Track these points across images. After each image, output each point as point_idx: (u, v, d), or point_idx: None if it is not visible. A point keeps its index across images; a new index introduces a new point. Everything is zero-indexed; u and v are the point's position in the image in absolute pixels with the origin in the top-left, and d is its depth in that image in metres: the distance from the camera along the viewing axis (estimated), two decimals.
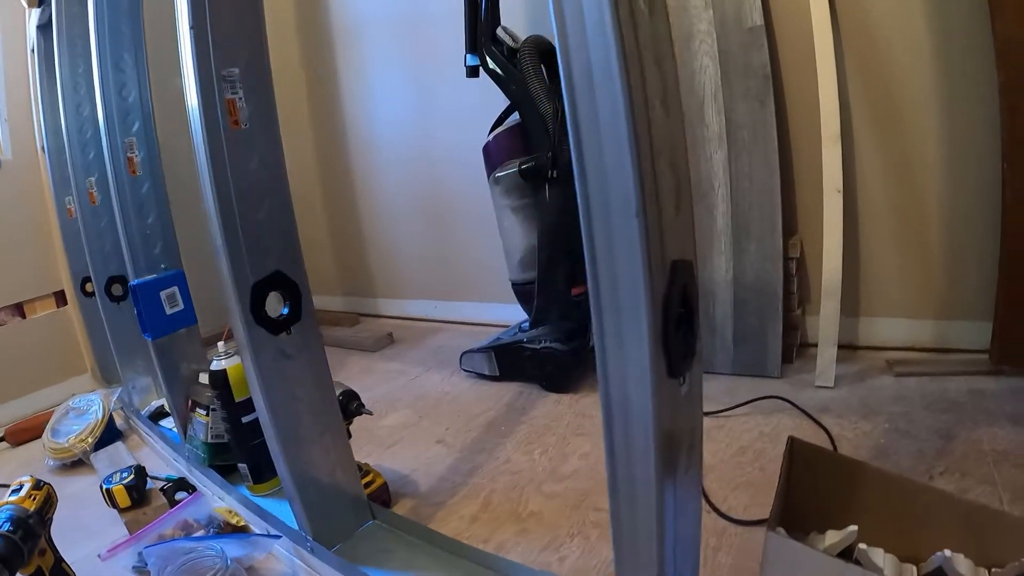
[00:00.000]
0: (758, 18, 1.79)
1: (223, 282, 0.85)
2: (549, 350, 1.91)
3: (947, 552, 0.85)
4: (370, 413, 1.37)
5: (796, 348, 1.89)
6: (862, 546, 0.89)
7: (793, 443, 1.05)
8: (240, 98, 0.80)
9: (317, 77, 2.87)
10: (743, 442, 1.50)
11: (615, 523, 0.60)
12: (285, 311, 0.94)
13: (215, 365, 1.22)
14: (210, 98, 0.78)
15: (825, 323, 1.73)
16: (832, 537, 0.92)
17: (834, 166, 1.72)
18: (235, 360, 1.21)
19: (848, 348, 1.96)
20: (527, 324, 2.06)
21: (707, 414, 1.64)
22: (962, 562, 0.85)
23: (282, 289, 0.92)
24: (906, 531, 0.93)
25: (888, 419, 1.55)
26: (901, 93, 1.80)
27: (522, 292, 2.04)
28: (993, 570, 0.85)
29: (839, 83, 1.74)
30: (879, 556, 0.88)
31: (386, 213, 2.86)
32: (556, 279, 1.92)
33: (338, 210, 2.98)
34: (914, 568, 0.89)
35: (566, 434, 1.67)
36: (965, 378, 1.75)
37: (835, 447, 1.44)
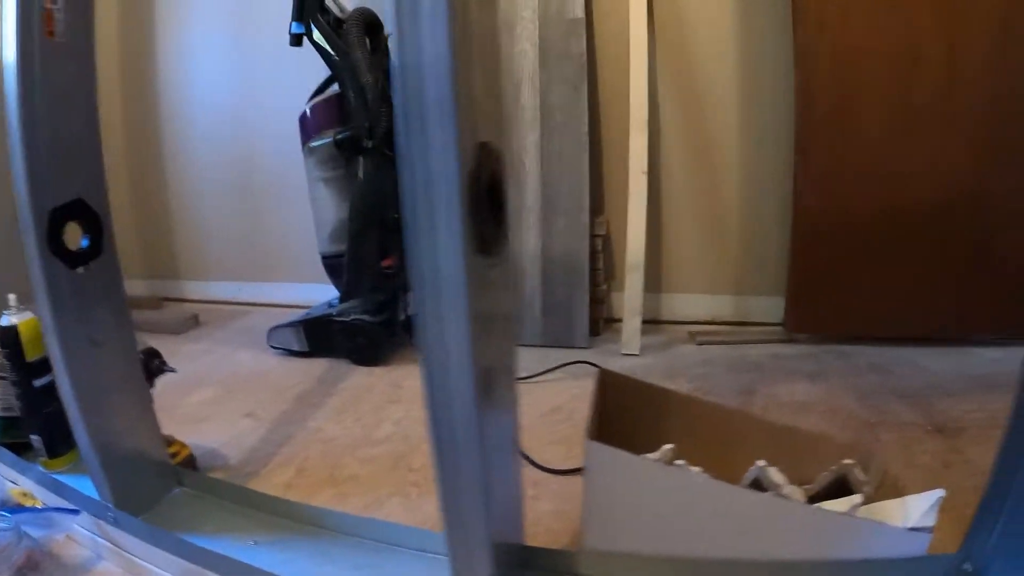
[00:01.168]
0: (579, 11, 1.99)
1: (19, 207, 0.82)
2: (359, 323, 1.97)
3: (760, 463, 0.94)
4: (173, 370, 1.34)
5: (603, 322, 2.13)
6: (679, 462, 0.94)
7: (603, 374, 1.12)
8: (58, 8, 0.78)
9: (129, 34, 2.64)
10: (555, 403, 1.64)
11: (433, 424, 0.64)
12: (85, 243, 0.90)
13: (4, 321, 1.14)
14: (28, 4, 0.75)
15: (630, 295, 1.97)
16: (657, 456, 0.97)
17: (640, 151, 1.97)
18: (27, 315, 1.14)
19: (653, 323, 2.23)
20: (337, 301, 2.11)
21: (520, 379, 1.82)
22: (776, 473, 0.94)
23: (83, 220, 0.89)
24: (717, 454, 1.02)
25: (692, 379, 1.78)
26: (707, 86, 2.09)
27: (332, 265, 2.08)
28: (805, 486, 0.95)
29: (650, 74, 1.99)
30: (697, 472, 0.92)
31: (196, 189, 2.72)
32: (366, 251, 1.99)
33: (144, 185, 2.76)
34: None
35: (379, 403, 1.71)
36: (764, 346, 2.05)
37: None
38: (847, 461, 0.96)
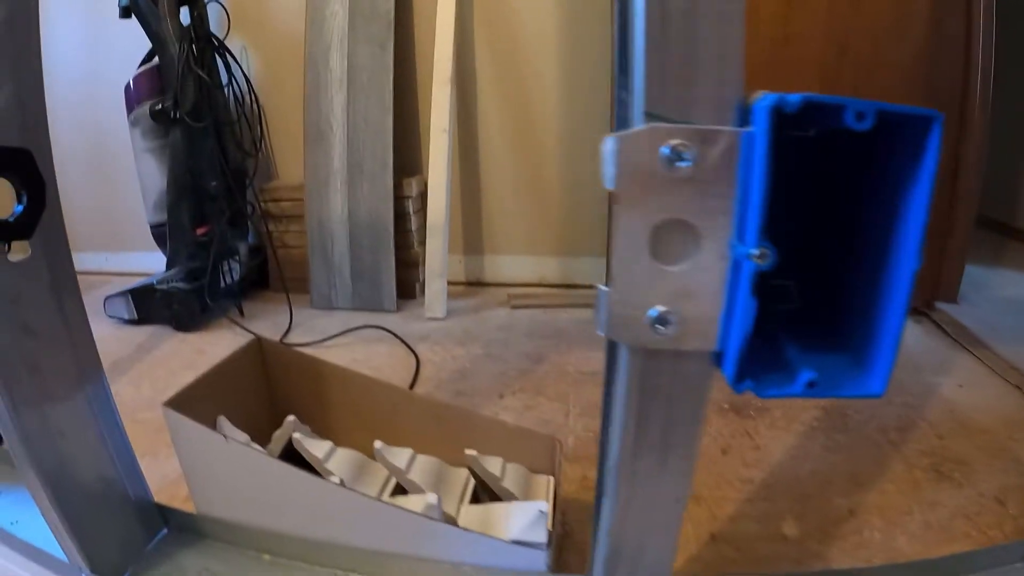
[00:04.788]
0: None
1: None
2: (175, 290, 2.10)
3: (377, 444, 0.99)
4: None
5: (419, 285, 2.18)
6: (296, 435, 0.99)
7: (260, 342, 1.16)
8: None
9: None
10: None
11: None
12: (19, 209, 0.67)
13: None
14: None
15: (431, 258, 2.02)
16: (279, 431, 1.02)
17: (443, 107, 1.99)
18: None
19: (475, 284, 2.27)
20: None
21: (304, 344, 1.89)
22: (399, 453, 0.99)
23: (18, 176, 0.67)
24: (380, 429, 1.07)
25: (484, 346, 1.83)
26: (526, 42, 2.08)
27: (158, 234, 2.22)
28: (467, 451, 1.00)
29: (465, 31, 2.00)
30: (322, 447, 0.95)
31: (55, 159, 2.87)
32: (183, 219, 2.12)
33: None
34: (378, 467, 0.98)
35: (176, 368, 1.83)
36: (580, 310, 2.09)
37: (418, 371, 1.71)
38: (470, 452, 1.01)
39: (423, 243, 2.09)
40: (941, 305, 1.98)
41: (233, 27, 2.14)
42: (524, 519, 0.80)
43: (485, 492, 1.03)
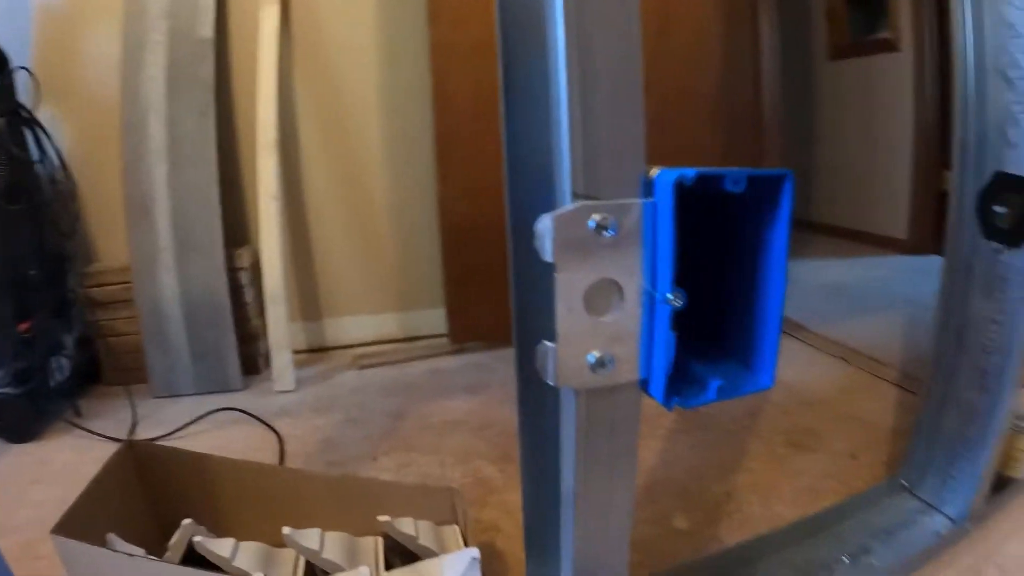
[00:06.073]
0: (208, 30, 1.95)
1: None
2: (5, 396, 1.88)
3: (286, 530, 0.97)
4: None
5: (262, 358, 2.14)
6: (197, 538, 0.97)
7: (132, 447, 1.11)
8: None
9: None
10: None
11: None
12: None
13: None
14: None
15: (274, 328, 1.99)
16: (175, 536, 0.98)
17: (270, 173, 1.98)
18: None
19: (318, 351, 2.25)
20: None
21: (156, 438, 1.77)
22: (309, 535, 0.99)
23: None
24: (275, 514, 1.06)
25: (343, 411, 1.82)
26: (349, 103, 2.12)
27: None
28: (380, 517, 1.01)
29: (287, 93, 2.00)
30: (225, 545, 0.97)
31: None
32: (3, 314, 1.90)
33: None
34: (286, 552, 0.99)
35: (24, 485, 1.62)
36: (428, 360, 2.15)
37: (283, 449, 1.68)
38: (383, 518, 1.02)
39: (261, 315, 2.06)
40: None
41: (43, 96, 2.00)
42: (459, 568, 0.85)
43: (397, 556, 1.06)
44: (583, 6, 0.46)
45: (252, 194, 2.07)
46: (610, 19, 0.48)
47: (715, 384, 0.57)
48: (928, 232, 3.06)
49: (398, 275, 2.21)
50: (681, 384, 0.58)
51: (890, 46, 3.06)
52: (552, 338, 0.51)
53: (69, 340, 1.96)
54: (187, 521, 1.01)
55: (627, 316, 0.52)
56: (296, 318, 2.16)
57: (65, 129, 2.01)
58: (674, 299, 0.51)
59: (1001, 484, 1.17)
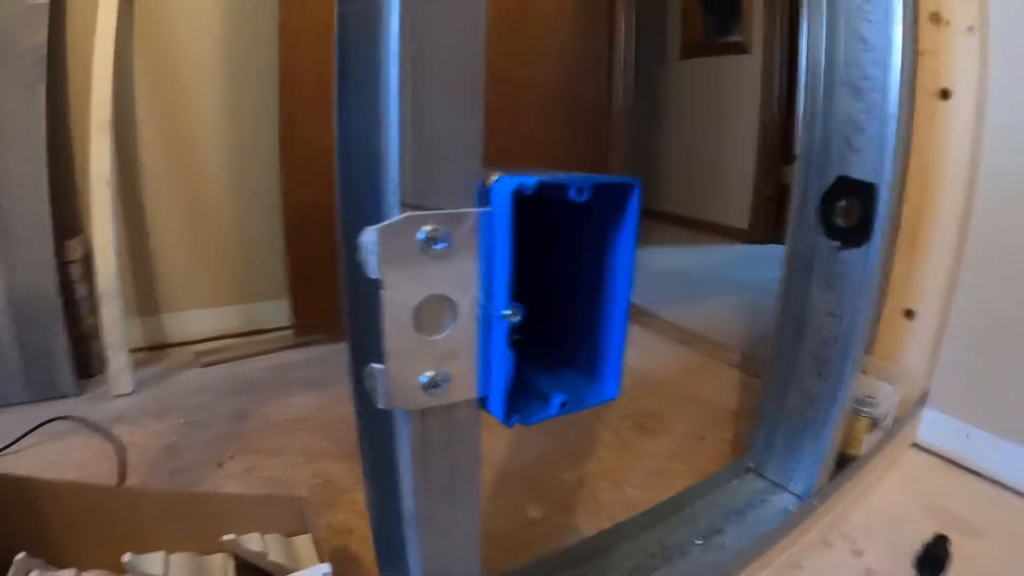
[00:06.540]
0: None
1: None
2: None
3: (126, 557, 0.89)
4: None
5: (98, 359, 1.95)
6: (33, 574, 0.87)
7: None
8: None
9: None
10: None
11: None
12: None
13: None
14: None
15: (109, 327, 1.81)
16: (9, 574, 0.88)
17: (103, 156, 1.78)
18: None
19: (158, 348, 2.09)
20: None
21: None
22: (151, 560, 0.91)
23: None
24: (115, 538, 0.97)
25: (184, 414, 1.69)
26: (190, 83, 1.96)
27: None
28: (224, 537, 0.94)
29: (124, 71, 1.81)
30: None
31: None
32: None
33: None
34: None
35: None
36: (272, 355, 2.03)
37: (124, 459, 1.53)
38: (227, 537, 0.94)
39: (94, 312, 1.88)
40: None
41: None
42: None
43: (248, 572, 0.99)
44: None
45: (84, 179, 1.87)
46: (451, 6, 0.43)
47: (558, 400, 0.55)
48: (768, 222, 3.25)
49: (240, 266, 2.09)
50: (521, 399, 0.55)
51: (740, 48, 3.21)
52: (380, 359, 0.47)
53: None
54: (20, 556, 0.89)
55: (462, 332, 0.49)
56: (133, 313, 2.00)
57: None
58: (512, 314, 0.47)
59: (843, 462, 1.24)
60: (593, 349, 0.59)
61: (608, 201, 0.53)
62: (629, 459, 1.35)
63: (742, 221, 3.37)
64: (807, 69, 1.08)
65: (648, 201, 3.83)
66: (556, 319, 0.61)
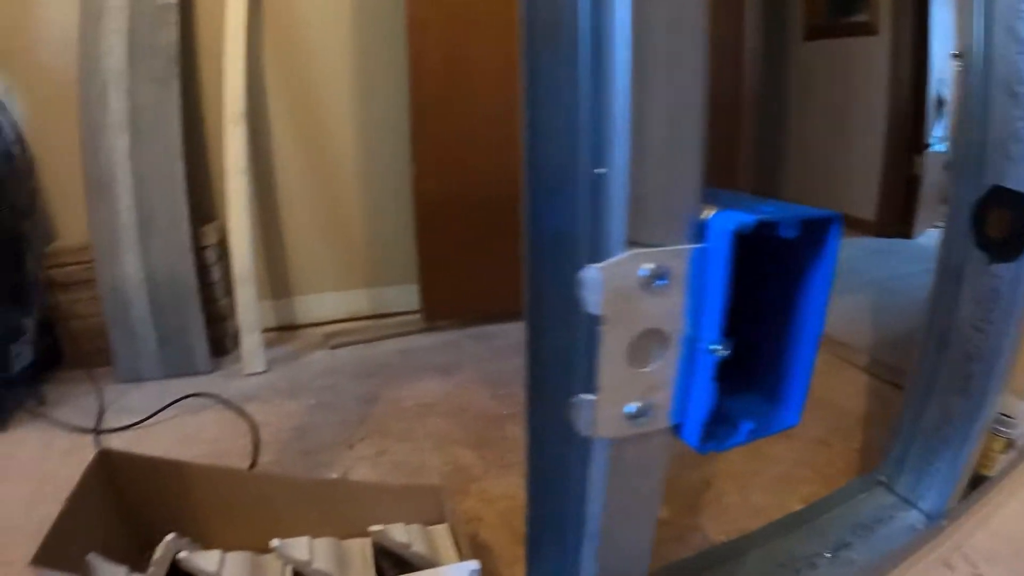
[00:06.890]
0: None
1: None
2: None
3: (275, 542, 0.94)
4: None
5: (231, 338, 2.06)
6: (183, 553, 0.92)
7: (106, 457, 1.04)
8: None
9: None
10: (162, 450, 1.54)
11: None
12: None
13: None
14: None
15: (244, 309, 1.90)
16: (158, 551, 0.92)
17: (238, 147, 1.87)
18: None
19: (288, 329, 2.18)
20: None
21: (124, 428, 1.68)
22: (298, 545, 0.95)
23: None
24: (258, 521, 1.02)
25: (315, 394, 1.76)
26: (320, 75, 2.02)
27: None
28: (371, 527, 0.98)
29: (254, 63, 1.89)
30: (211, 558, 0.93)
31: None
32: None
33: None
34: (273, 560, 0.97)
35: None
36: (400, 339, 2.09)
37: (258, 436, 1.61)
38: (375, 528, 0.98)
39: (228, 294, 1.98)
40: None
41: None
42: None
43: (385, 559, 1.03)
44: (647, 18, 0.41)
45: (218, 168, 1.97)
46: (677, 33, 0.43)
47: (747, 428, 0.54)
48: (896, 215, 3.10)
49: (367, 251, 2.15)
50: (712, 426, 0.55)
51: (867, 29, 3.04)
52: (591, 390, 0.47)
53: (29, 324, 1.85)
54: (170, 536, 0.95)
55: (669, 364, 0.49)
56: (265, 296, 2.09)
57: (21, 101, 1.88)
58: (721, 349, 0.47)
59: (975, 482, 1.19)
60: (778, 376, 0.58)
61: (808, 231, 0.52)
62: (756, 463, 1.33)
63: (869, 212, 3.21)
64: (968, 72, 1.02)
65: (770, 191, 3.69)
66: (740, 343, 0.61)
